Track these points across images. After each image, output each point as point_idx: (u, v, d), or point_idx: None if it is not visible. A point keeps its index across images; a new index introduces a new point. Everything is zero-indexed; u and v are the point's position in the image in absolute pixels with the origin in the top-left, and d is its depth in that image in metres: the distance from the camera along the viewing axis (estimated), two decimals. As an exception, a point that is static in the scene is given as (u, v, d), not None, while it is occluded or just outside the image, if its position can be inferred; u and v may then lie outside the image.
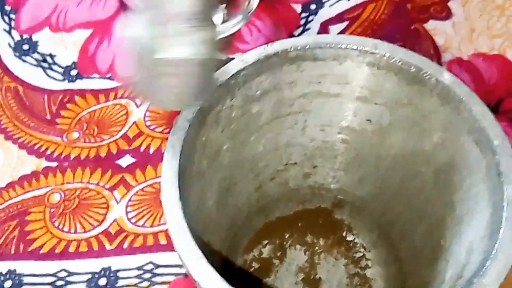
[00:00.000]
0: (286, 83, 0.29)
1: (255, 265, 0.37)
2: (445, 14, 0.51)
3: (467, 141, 0.26)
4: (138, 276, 0.37)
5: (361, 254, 0.37)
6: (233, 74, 0.26)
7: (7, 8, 0.50)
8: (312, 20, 0.50)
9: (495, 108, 0.45)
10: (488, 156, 0.24)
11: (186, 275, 0.37)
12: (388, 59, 0.27)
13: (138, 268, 0.38)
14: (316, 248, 0.38)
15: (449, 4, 0.51)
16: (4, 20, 0.49)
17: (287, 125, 0.32)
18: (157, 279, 0.37)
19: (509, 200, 0.23)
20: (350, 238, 0.38)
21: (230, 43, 0.47)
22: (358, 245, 0.38)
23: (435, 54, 0.48)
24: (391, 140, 0.31)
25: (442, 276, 0.28)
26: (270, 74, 0.28)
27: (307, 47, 0.27)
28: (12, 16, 0.50)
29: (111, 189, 0.41)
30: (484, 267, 0.21)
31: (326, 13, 0.50)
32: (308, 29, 0.48)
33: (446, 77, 0.26)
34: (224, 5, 0.48)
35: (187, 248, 0.22)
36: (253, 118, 0.30)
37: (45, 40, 0.48)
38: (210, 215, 0.30)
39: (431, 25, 0.50)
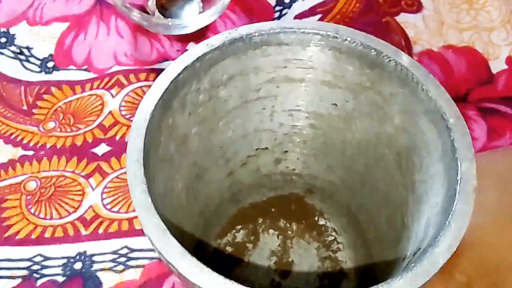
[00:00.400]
0: (252, 68, 0.30)
1: (229, 249, 0.38)
2: (416, 7, 0.52)
3: (425, 121, 0.27)
4: (113, 260, 0.38)
5: (333, 238, 0.38)
6: (198, 57, 0.27)
7: (-15, 1, 0.51)
8: (286, 13, 0.51)
9: (464, 98, 0.46)
10: (444, 135, 0.25)
11: (160, 260, 0.38)
12: (349, 43, 0.28)
13: (113, 253, 0.38)
14: (289, 232, 0.39)
15: (420, -2, 0.52)
16: (-18, 14, 0.50)
17: (255, 110, 0.33)
18: (132, 263, 0.38)
19: (462, 175, 0.24)
20: (321, 222, 0.39)
21: (204, 34, 0.48)
22: (329, 229, 0.39)
23: (406, 46, 0.50)
24: (356, 124, 0.32)
25: (405, 254, 0.29)
26: (235, 58, 0.29)
27: (271, 31, 0.28)
28: (-10, 9, 0.50)
29: (87, 176, 0.41)
30: (437, 238, 0.22)
31: (300, 6, 0.51)
32: (282, 21, 0.49)
33: (405, 59, 0.27)
34: (199, -2, 0.49)
35: (151, 221, 0.22)
36: (220, 103, 0.31)
37: (22, 33, 0.49)
38: (179, 200, 0.31)
39: (402, 18, 0.51)
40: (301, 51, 0.30)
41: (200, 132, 0.31)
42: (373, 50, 0.28)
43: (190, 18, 0.46)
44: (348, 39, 0.28)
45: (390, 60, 0.27)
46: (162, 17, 0.48)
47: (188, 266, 0.21)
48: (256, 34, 0.28)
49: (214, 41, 0.28)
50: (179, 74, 0.27)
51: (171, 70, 0.27)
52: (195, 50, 0.28)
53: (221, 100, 0.31)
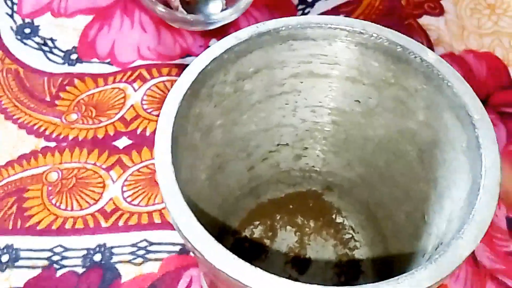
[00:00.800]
0: (278, 62, 0.30)
1: (246, 244, 0.38)
2: (438, 11, 0.52)
3: (449, 117, 0.27)
4: (132, 253, 0.38)
5: (350, 235, 0.39)
6: (226, 49, 0.27)
7: (10, -7, 0.51)
8: (308, 12, 0.51)
9: (484, 102, 0.46)
10: (468, 130, 0.25)
11: (179, 253, 0.38)
12: (376, 39, 0.28)
13: (132, 245, 0.39)
14: (306, 229, 0.39)
15: (442, 2, 0.52)
16: (7, 4, 0.51)
17: (278, 105, 0.33)
18: (151, 256, 0.38)
19: (487, 169, 0.24)
20: (339, 220, 0.39)
21: (226, 31, 0.48)
22: (347, 227, 0.39)
23: (428, 48, 0.50)
24: (378, 120, 0.32)
25: (424, 249, 0.29)
26: (262, 52, 0.29)
27: (298, 26, 0.28)
28: (15, 0, 0.51)
29: (108, 169, 0.42)
30: (461, 231, 0.22)
31: (322, 6, 0.52)
32: (304, 20, 0.49)
33: (430, 56, 0.27)
34: (222, -5, 0.50)
35: (178, 207, 0.23)
36: (245, 96, 0.31)
37: (47, 25, 0.50)
38: (201, 191, 0.31)
39: (425, 21, 0.51)
40: (327, 46, 0.30)
41: (224, 124, 0.31)
42: (399, 46, 0.28)
43: (213, 15, 0.47)
44: (375, 35, 0.28)
45: (415, 56, 0.28)
46: (185, 12, 0.48)
47: (214, 252, 0.22)
48: (284, 28, 0.28)
49: (242, 34, 0.28)
50: (207, 65, 0.27)
51: (200, 60, 0.27)
52: (223, 42, 0.28)
53: (246, 93, 0.31)
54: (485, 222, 0.22)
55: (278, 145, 0.36)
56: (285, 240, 0.39)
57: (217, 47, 0.28)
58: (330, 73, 0.31)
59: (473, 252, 0.38)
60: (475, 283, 0.38)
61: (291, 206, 0.40)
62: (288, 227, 0.39)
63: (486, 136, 0.25)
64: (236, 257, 0.22)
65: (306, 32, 0.29)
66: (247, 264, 0.21)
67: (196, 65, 0.27)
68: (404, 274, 0.21)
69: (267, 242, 0.38)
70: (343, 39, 0.29)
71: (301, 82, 0.32)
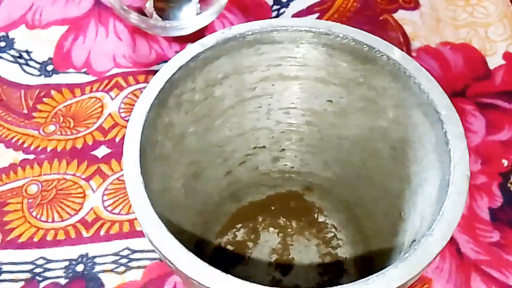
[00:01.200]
0: (246, 67, 0.30)
1: (229, 248, 0.38)
2: (413, 5, 0.52)
3: (418, 114, 0.27)
4: (114, 262, 0.38)
5: (332, 234, 0.39)
6: (192, 57, 0.27)
7: (-17, 7, 0.51)
8: (283, 12, 0.51)
9: (462, 93, 0.47)
10: (436, 127, 0.25)
11: (161, 260, 0.38)
12: (342, 39, 0.28)
13: (115, 254, 0.38)
14: (289, 230, 0.39)
15: (417, -5, 0.52)
16: (-19, 19, 0.51)
17: (251, 109, 0.33)
18: (133, 264, 0.38)
19: (455, 165, 0.24)
20: (321, 219, 0.39)
21: (202, 35, 0.48)
22: (329, 226, 0.39)
23: (404, 43, 0.50)
24: (351, 120, 0.32)
25: (401, 246, 0.29)
26: (229, 57, 0.29)
27: (264, 30, 0.28)
28: (-12, 14, 0.51)
29: (88, 179, 0.42)
30: (431, 228, 0.22)
31: (297, 5, 0.52)
32: (279, 20, 0.49)
33: (396, 53, 0.27)
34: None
35: (148, 217, 0.23)
36: (216, 102, 0.31)
37: (22, 37, 0.49)
38: (178, 199, 0.31)
39: (400, 15, 0.51)
40: (294, 48, 0.30)
41: (197, 131, 0.31)
42: (365, 46, 0.28)
43: (188, 20, 0.47)
44: (340, 35, 0.28)
45: (382, 55, 0.28)
46: (160, 19, 0.48)
47: (185, 261, 0.22)
48: (249, 33, 0.28)
49: (208, 40, 0.28)
50: (174, 74, 0.27)
51: (166, 69, 0.27)
52: (189, 50, 0.28)
53: (217, 99, 0.31)
54: (455, 219, 0.23)
55: (255, 148, 0.36)
56: (268, 242, 0.39)
57: (183, 55, 0.28)
58: (299, 75, 0.31)
59: (457, 245, 0.38)
60: (459, 275, 0.38)
61: (272, 208, 0.40)
62: (271, 229, 0.39)
63: (454, 131, 0.25)
64: (207, 264, 0.22)
65: (272, 35, 0.29)
66: (219, 272, 0.21)
67: (162, 75, 0.27)
68: (374, 274, 0.21)
69: (250, 244, 0.38)
70: (309, 41, 0.29)
71: (272, 85, 0.32)
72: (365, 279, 0.21)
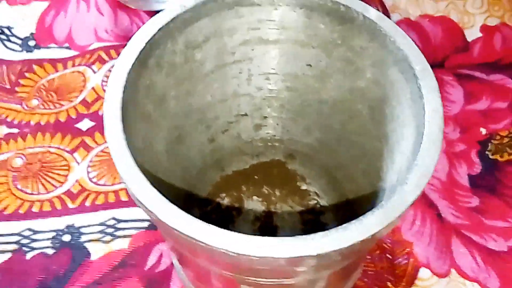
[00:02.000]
0: (226, 30, 0.31)
1: (213, 216, 0.38)
2: (394, -23, 0.53)
3: (394, 72, 0.28)
4: (101, 232, 0.39)
5: (315, 201, 0.39)
6: (172, 18, 0.28)
7: (-37, -16, 0.51)
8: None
9: (441, 64, 0.47)
10: (411, 83, 0.26)
11: (148, 228, 0.39)
12: (319, 1, 0.29)
13: (101, 224, 0.39)
14: (272, 198, 0.39)
15: (397, -32, 0.53)
16: (-40, -4, 0.50)
17: (232, 74, 0.33)
18: (120, 233, 0.38)
19: (429, 119, 0.24)
20: (303, 187, 0.40)
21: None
22: (311, 193, 0.39)
23: (384, 15, 0.50)
24: (330, 82, 0.33)
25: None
26: (209, 19, 0.29)
27: (243, -9, 0.29)
28: (-32, -9, 0.51)
29: (72, 151, 0.42)
30: (406, 177, 0.23)
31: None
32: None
33: (372, 13, 0.28)
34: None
35: (130, 170, 0.23)
36: (197, 66, 0.31)
37: (2, 13, 0.49)
38: (160, 162, 0.32)
39: (380, -13, 0.52)
40: (272, 11, 0.30)
41: (178, 95, 0.31)
42: (342, 6, 0.28)
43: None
44: (318, -4, 0.29)
45: (358, 15, 0.28)
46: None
47: (167, 212, 0.22)
48: (228, -6, 0.29)
49: (188, 2, 0.28)
50: (154, 35, 0.27)
51: (146, 30, 0.27)
52: (169, 11, 0.28)
53: (197, 63, 0.31)
54: (429, 167, 0.23)
55: (236, 115, 0.36)
56: (252, 210, 0.39)
57: (163, 16, 0.28)
58: (279, 39, 0.32)
59: (437, 210, 0.39)
60: (440, 238, 0.39)
61: (256, 177, 0.40)
62: (255, 197, 0.40)
63: (428, 86, 0.25)
64: (188, 214, 0.22)
65: (251, -3, 0.29)
66: (199, 221, 0.22)
67: (142, 35, 0.27)
68: (352, 221, 0.22)
69: (234, 213, 0.39)
70: (287, 3, 0.30)
71: (252, 50, 0.32)
72: (343, 225, 0.22)
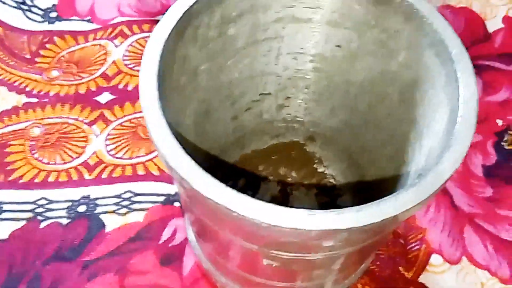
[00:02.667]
0: (261, 6, 0.30)
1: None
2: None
3: (429, 55, 0.28)
4: (116, 204, 0.39)
5: (332, 184, 0.39)
6: (210, -10, 0.28)
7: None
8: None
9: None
10: (447, 66, 0.26)
11: (163, 203, 0.39)
12: (357, -20, 0.29)
13: (117, 196, 0.39)
14: (289, 179, 0.40)
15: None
16: (-17, -36, 0.50)
17: (262, 51, 0.33)
18: (135, 206, 0.38)
19: (464, 101, 0.24)
20: (321, 169, 0.40)
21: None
22: (328, 176, 0.40)
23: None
24: (360, 64, 0.33)
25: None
26: (246, -6, 0.29)
27: (282, -32, 0.29)
28: (-9, -40, 0.50)
29: (90, 123, 0.42)
30: (441, 157, 0.23)
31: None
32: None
33: (410, -5, 0.28)
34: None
35: (165, 138, 0.23)
36: (229, 41, 0.31)
37: (24, -16, 0.49)
38: (188, 136, 0.32)
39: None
40: (308, -11, 0.30)
41: (209, 69, 0.31)
42: (379, -13, 0.28)
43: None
44: (356, -24, 0.29)
45: (396, -4, 0.28)
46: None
47: (202, 181, 0.22)
48: (267, -31, 0.29)
49: (225, -24, 0.28)
50: (192, 5, 0.27)
51: (181, 3, 0.27)
52: (208, -17, 0.28)
53: (230, 38, 0.31)
54: (463, 149, 0.23)
55: (261, 94, 0.36)
56: (269, 190, 0.39)
57: (200, -12, 0.28)
58: (312, 18, 0.32)
59: (451, 198, 0.39)
60: (454, 226, 0.39)
61: (274, 157, 0.40)
62: (271, 177, 0.40)
63: (464, 69, 0.25)
64: (222, 184, 0.22)
65: (289, -26, 0.29)
66: (234, 191, 0.22)
67: (180, 5, 0.27)
68: (387, 197, 0.22)
69: (249, 193, 0.39)
70: (325, -18, 0.30)
71: (284, 28, 0.32)
72: (378, 201, 0.22)
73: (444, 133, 0.25)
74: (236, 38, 0.32)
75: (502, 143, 0.43)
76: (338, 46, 0.33)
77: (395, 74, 0.31)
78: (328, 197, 0.39)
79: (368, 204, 0.22)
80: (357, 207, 0.22)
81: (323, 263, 0.27)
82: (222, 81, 0.33)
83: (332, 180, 0.39)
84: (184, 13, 0.27)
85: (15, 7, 0.48)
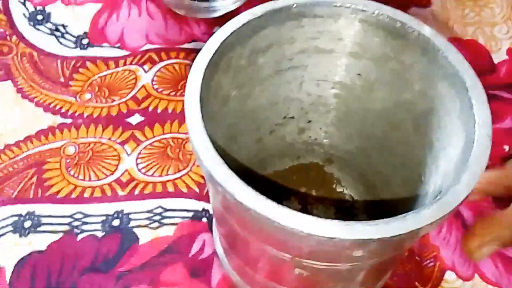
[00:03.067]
0: (288, 38, 0.33)
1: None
2: (425, 2, 0.56)
3: (444, 85, 0.30)
4: (148, 218, 0.41)
5: (350, 203, 0.42)
6: (243, 24, 0.30)
7: (22, -18, 0.54)
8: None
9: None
10: (462, 95, 0.29)
11: (192, 218, 0.41)
12: (377, 16, 0.32)
13: (149, 211, 0.42)
14: (309, 199, 0.42)
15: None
16: (19, -7, 0.53)
17: (286, 79, 0.36)
18: (166, 221, 0.41)
19: (479, 125, 0.27)
20: (339, 189, 0.42)
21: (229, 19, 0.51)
22: (347, 196, 0.42)
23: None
24: (377, 93, 0.35)
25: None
26: (275, 28, 0.32)
27: (308, 4, 0.32)
28: (27, -11, 0.54)
29: (122, 143, 0.45)
30: (459, 178, 0.25)
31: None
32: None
33: (427, 30, 0.31)
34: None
35: (211, 157, 0.25)
36: (257, 70, 0.34)
37: (58, 12, 0.52)
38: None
39: (413, 11, 0.55)
40: (332, 23, 0.33)
41: (238, 96, 0.34)
42: (398, 22, 0.31)
43: (217, 2, 0.50)
44: (376, 12, 0.32)
45: (413, 31, 0.31)
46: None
47: (245, 193, 0.24)
48: (295, 6, 0.32)
49: (257, 10, 0.31)
50: (227, 38, 0.30)
51: (221, 33, 0.30)
52: (240, 18, 0.31)
53: (258, 67, 0.34)
54: (478, 171, 0.26)
55: (284, 118, 0.39)
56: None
57: (235, 22, 0.31)
58: (334, 49, 0.34)
59: (462, 218, 0.42)
60: (464, 247, 0.41)
61: (294, 178, 0.43)
62: (292, 197, 0.42)
63: (478, 97, 0.28)
64: (265, 197, 0.24)
65: (314, 10, 0.32)
66: (275, 203, 0.24)
67: (217, 38, 0.30)
68: (409, 212, 0.24)
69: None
70: (347, 16, 0.32)
71: (308, 58, 0.35)
72: (402, 215, 0.24)
73: (460, 156, 0.28)
74: (264, 67, 0.34)
75: (509, 168, 0.45)
76: (359, 74, 0.35)
77: (410, 103, 0.33)
78: (346, 215, 0.41)
79: (395, 217, 0.24)
80: (386, 219, 0.24)
81: (349, 274, 0.30)
82: (249, 107, 0.36)
83: (350, 200, 0.42)
84: (220, 45, 0.30)
85: (48, 34, 0.51)
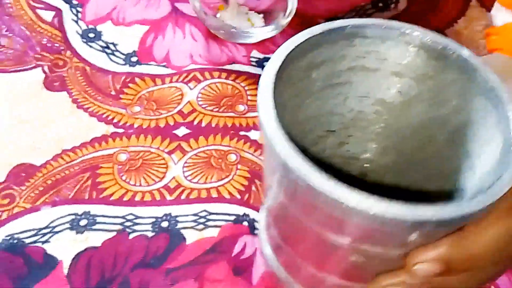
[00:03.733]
0: (339, 56, 0.37)
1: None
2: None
3: (480, 100, 0.34)
4: (194, 221, 0.44)
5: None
6: (304, 40, 0.34)
7: (75, 2, 0.58)
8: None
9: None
10: (498, 107, 0.32)
11: (234, 222, 0.45)
12: (421, 39, 0.36)
13: (194, 215, 0.45)
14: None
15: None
16: (72, 12, 0.58)
17: (333, 93, 0.40)
18: (210, 223, 0.44)
19: None
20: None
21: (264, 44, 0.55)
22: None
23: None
24: (415, 109, 0.39)
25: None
26: (329, 45, 0.36)
27: (361, 25, 0.36)
28: (79, 9, 0.58)
29: (170, 153, 0.48)
30: (501, 175, 0.29)
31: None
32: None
33: (465, 52, 0.35)
34: (261, 15, 0.57)
35: (285, 145, 0.29)
36: (310, 83, 0.38)
37: (108, 31, 0.57)
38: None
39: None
40: (380, 44, 0.37)
41: (291, 106, 0.38)
42: (439, 45, 0.35)
43: (255, 30, 0.54)
44: (420, 36, 0.36)
45: (453, 53, 0.35)
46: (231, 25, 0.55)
47: (318, 177, 0.27)
48: (349, 27, 0.36)
49: (316, 29, 0.35)
50: (290, 52, 0.34)
51: (284, 48, 0.34)
52: (300, 35, 0.35)
53: (311, 81, 0.38)
54: None
55: (327, 131, 0.43)
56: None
57: (297, 38, 0.35)
58: (379, 67, 0.38)
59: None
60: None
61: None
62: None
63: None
64: (337, 181, 0.28)
65: (365, 31, 0.36)
66: (346, 186, 0.27)
67: (282, 51, 0.34)
68: (463, 200, 0.28)
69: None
70: (394, 39, 0.36)
71: (355, 75, 0.39)
72: (454, 202, 0.28)
73: (498, 160, 0.31)
74: (316, 81, 0.38)
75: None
76: (399, 92, 0.39)
77: (445, 119, 0.37)
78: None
79: (450, 203, 0.28)
80: (441, 204, 0.27)
81: (396, 263, 0.33)
82: (298, 118, 0.40)
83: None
84: (285, 57, 0.34)
85: (100, 51, 0.55)
